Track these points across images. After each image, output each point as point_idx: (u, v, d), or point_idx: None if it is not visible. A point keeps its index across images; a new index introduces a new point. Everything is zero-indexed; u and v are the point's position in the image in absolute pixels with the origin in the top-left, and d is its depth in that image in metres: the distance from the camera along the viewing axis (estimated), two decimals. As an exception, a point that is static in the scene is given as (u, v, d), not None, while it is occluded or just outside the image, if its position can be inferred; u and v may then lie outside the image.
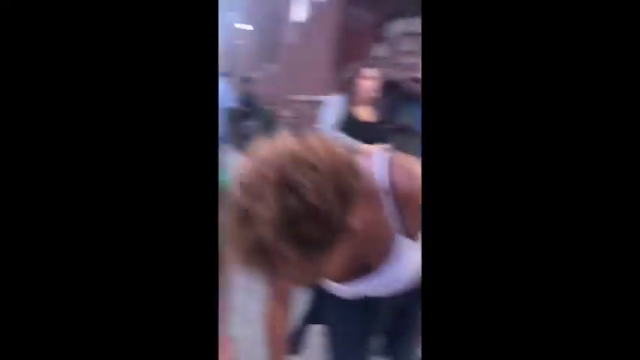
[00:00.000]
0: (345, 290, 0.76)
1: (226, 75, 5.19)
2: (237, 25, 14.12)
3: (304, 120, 6.32)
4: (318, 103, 5.91)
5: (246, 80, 5.94)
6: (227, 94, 3.87)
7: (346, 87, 2.07)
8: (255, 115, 5.57)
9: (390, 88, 2.51)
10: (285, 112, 7.70)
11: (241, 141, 5.22)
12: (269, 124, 7.04)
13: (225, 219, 0.49)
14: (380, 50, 5.10)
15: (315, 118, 5.76)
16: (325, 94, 5.85)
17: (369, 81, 2.05)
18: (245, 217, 0.47)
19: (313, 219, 0.46)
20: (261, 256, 0.48)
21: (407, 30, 4.55)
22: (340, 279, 0.74)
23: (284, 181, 0.46)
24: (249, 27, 12.79)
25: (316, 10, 6.88)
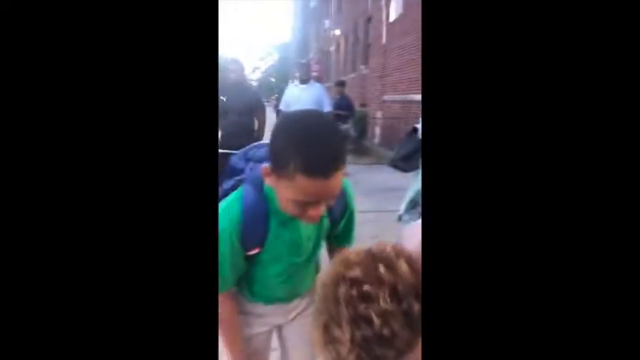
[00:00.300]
0: None
1: (320, 81, 5.45)
2: (328, 32, 14.56)
3: (397, 120, 6.32)
4: (412, 102, 5.86)
5: (340, 84, 6.16)
6: (323, 100, 4.07)
7: None
8: (352, 118, 5.74)
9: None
10: (379, 114, 7.75)
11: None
12: (361, 126, 7.17)
13: (314, 328, 0.56)
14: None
15: (407, 118, 5.70)
16: (418, 93, 5.78)
17: None
18: (326, 334, 0.54)
19: (385, 343, 0.51)
20: None
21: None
22: None
23: (354, 313, 0.51)
24: (338, 31, 13.10)
25: (405, 8, 6.83)
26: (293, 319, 0.94)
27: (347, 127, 5.49)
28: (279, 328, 0.97)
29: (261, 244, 0.75)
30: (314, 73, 4.18)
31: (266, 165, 0.66)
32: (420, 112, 2.22)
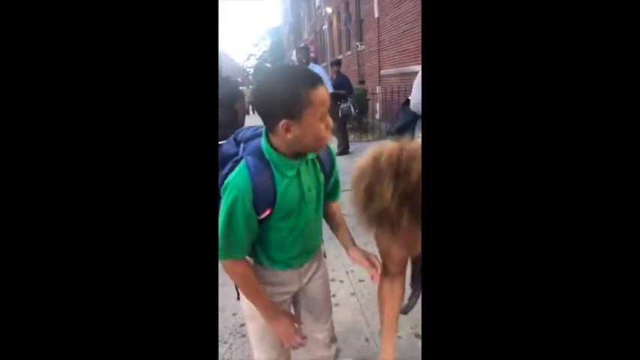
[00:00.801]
0: None
1: (316, 61, 5.42)
2: (319, 10, 14.33)
3: (396, 94, 6.31)
4: (409, 74, 5.82)
5: (336, 63, 6.13)
6: (325, 81, 4.07)
7: None
8: (351, 96, 5.74)
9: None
10: (377, 89, 7.72)
11: (343, 121, 5.48)
12: (361, 103, 7.16)
13: (356, 195, 0.69)
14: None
15: (406, 91, 5.67)
16: (416, 63, 5.74)
17: None
18: (367, 195, 0.67)
19: (417, 196, 0.62)
20: (382, 222, 0.67)
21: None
22: None
23: (396, 169, 0.65)
24: (329, 9, 12.89)
25: (397, -21, 6.70)
26: (306, 284, 1.03)
27: (347, 105, 5.49)
28: (294, 295, 1.06)
29: (272, 204, 0.84)
30: (311, 55, 4.23)
31: (284, 122, 0.76)
32: (412, 83, 2.23)
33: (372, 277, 0.90)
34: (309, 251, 1.00)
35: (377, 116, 7.84)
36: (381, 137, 6.16)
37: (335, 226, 1.03)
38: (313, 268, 1.03)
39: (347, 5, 10.78)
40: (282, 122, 0.76)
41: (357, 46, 9.74)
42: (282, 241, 0.92)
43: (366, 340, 1.62)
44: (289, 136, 0.78)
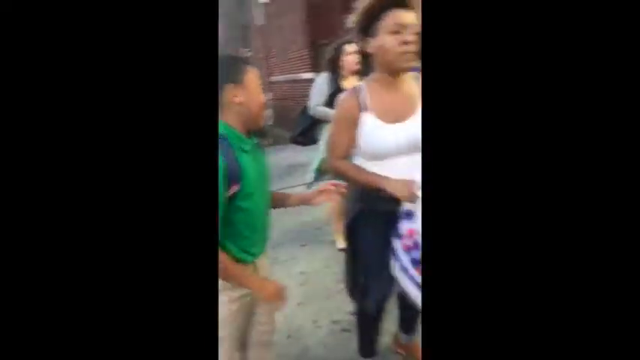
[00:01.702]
0: None
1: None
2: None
3: (287, 100, 6.49)
4: (298, 81, 6.05)
5: (224, 70, 6.01)
6: None
7: (331, 64, 2.15)
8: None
9: (368, 57, 2.68)
10: (269, 95, 7.83)
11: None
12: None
13: None
14: (350, 20, 5.17)
15: (296, 97, 5.88)
16: (303, 71, 5.98)
17: (351, 56, 2.05)
18: None
19: None
20: None
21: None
22: None
23: None
24: (214, 14, 12.57)
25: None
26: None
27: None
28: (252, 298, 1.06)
29: (238, 178, 0.89)
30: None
31: (231, 86, 0.89)
32: (307, 90, 2.36)
33: (338, 189, 1.07)
34: (263, 239, 1.04)
35: (270, 122, 7.94)
36: (275, 143, 6.26)
37: (280, 200, 1.12)
38: (264, 262, 1.07)
39: (232, 11, 10.65)
40: (230, 87, 0.89)
41: (244, 52, 9.70)
42: (248, 223, 0.94)
43: (288, 337, 1.68)
44: (237, 99, 0.90)
